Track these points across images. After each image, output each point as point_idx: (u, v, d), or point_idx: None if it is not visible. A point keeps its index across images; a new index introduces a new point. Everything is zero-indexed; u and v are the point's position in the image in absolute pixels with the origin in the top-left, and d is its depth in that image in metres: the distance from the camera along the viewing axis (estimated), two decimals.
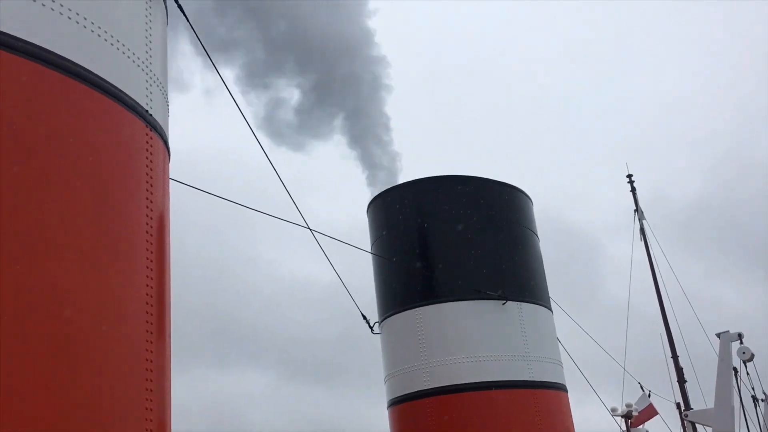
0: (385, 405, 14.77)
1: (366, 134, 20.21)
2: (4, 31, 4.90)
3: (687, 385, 23.78)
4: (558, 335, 15.38)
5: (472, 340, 13.75)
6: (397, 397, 14.24)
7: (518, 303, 14.24)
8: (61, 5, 5.35)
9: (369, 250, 15.75)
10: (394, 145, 20.42)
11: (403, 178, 19.30)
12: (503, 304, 13.93)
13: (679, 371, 23.92)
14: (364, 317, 14.55)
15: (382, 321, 15.08)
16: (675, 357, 24.13)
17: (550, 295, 15.62)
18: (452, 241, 14.75)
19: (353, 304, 13.99)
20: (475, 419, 13.26)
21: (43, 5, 5.24)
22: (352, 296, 13.62)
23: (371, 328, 14.81)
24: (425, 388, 13.63)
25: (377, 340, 15.19)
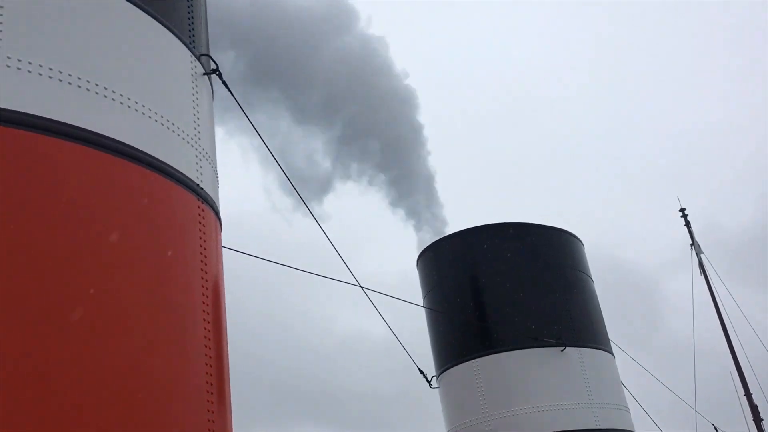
0: None
1: (412, 190, 20.40)
2: (64, 120, 5.19)
3: (764, 423, 22.75)
4: (621, 379, 14.96)
5: (532, 389, 13.47)
6: None
7: (578, 348, 13.94)
8: (113, 91, 5.64)
9: (421, 303, 15.71)
10: (439, 195, 20.54)
11: (450, 228, 19.35)
12: (562, 350, 13.66)
13: (754, 409, 22.91)
14: (421, 371, 14.42)
15: (439, 374, 14.91)
16: (748, 395, 23.15)
17: (610, 337, 15.26)
18: (506, 289, 14.62)
19: (408, 358, 13.89)
20: None
21: (96, 93, 5.53)
22: (407, 351, 13.54)
23: (429, 382, 14.65)
24: None
25: (436, 394, 15.00)
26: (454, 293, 15.14)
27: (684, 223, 26.30)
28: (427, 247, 16.22)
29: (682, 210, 26.38)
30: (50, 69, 5.25)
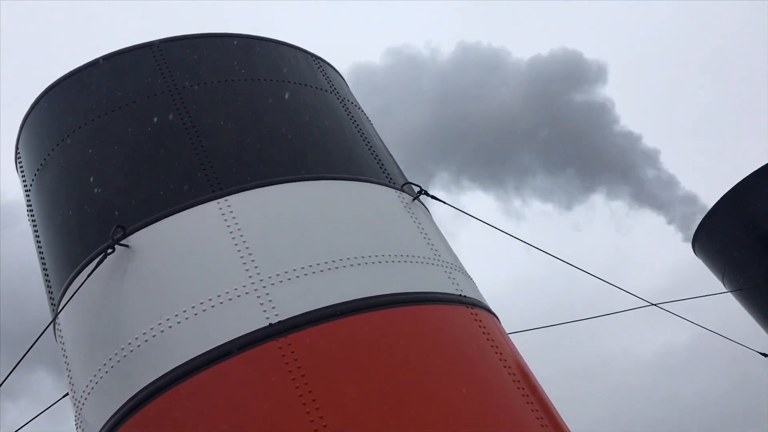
0: None
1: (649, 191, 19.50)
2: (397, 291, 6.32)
3: None
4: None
5: None
6: None
7: None
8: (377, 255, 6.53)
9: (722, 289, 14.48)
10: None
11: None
12: None
13: None
14: (765, 355, 13.07)
15: None
16: None
17: None
18: None
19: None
20: None
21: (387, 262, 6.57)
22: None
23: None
24: None
25: None
26: (755, 258, 13.77)
27: None
28: (699, 227, 15.04)
29: None
30: (333, 261, 6.29)
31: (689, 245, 15.63)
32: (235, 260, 6.12)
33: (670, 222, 19.30)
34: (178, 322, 5.93)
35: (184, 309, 5.97)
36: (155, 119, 7.26)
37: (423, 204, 7.99)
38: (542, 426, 5.99)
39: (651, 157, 19.67)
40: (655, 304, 10.48)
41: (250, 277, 6.02)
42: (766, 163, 13.77)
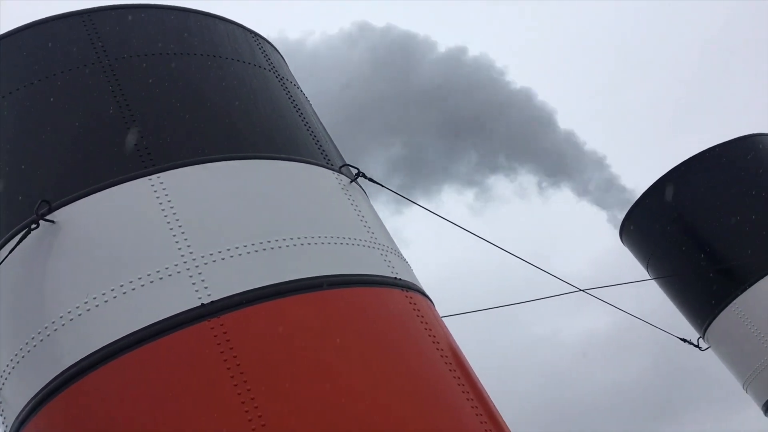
0: None
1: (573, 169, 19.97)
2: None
3: None
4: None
5: None
6: None
7: None
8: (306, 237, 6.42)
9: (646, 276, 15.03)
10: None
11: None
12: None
13: None
14: (685, 339, 13.68)
15: (704, 334, 14.04)
16: None
17: None
18: (722, 218, 13.71)
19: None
20: None
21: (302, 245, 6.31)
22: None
23: (697, 346, 13.84)
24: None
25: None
26: (678, 247, 14.31)
27: None
28: (627, 216, 15.52)
29: None
30: (268, 242, 6.18)
31: (617, 234, 16.14)
32: (167, 238, 5.98)
33: (600, 211, 19.88)
34: (106, 301, 5.76)
35: (112, 287, 5.80)
36: (85, 91, 6.99)
37: (361, 186, 7.98)
38: (473, 407, 6.10)
39: (597, 161, 20.15)
40: (583, 290, 10.79)
41: (183, 256, 5.90)
42: (689, 157, 14.35)
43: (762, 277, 12.81)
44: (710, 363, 14.52)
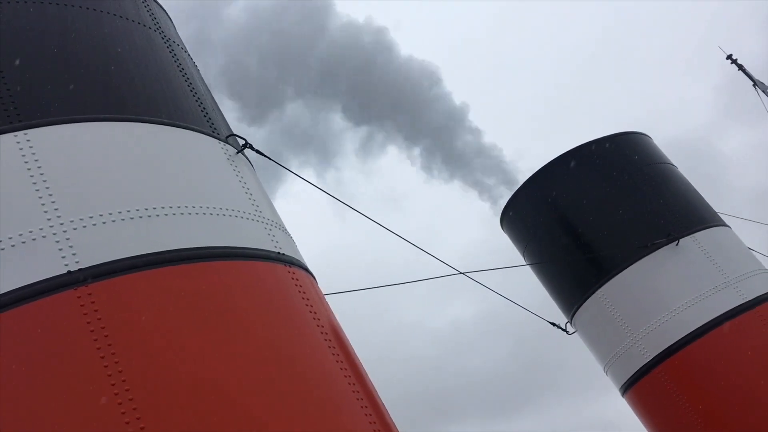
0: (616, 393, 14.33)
1: (461, 156, 20.40)
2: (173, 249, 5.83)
3: None
4: (747, 245, 14.47)
5: (666, 294, 13.22)
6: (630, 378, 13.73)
7: (691, 236, 13.62)
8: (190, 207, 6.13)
9: (524, 262, 15.64)
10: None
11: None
12: (676, 245, 13.39)
13: None
14: (553, 323, 14.34)
15: (572, 318, 14.79)
16: None
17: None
18: (598, 210, 14.43)
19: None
20: None
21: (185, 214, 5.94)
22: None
23: (565, 330, 14.54)
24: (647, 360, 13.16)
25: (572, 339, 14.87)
26: (551, 237, 15.01)
27: (737, 69, 25.15)
28: (507, 204, 16.07)
29: (730, 57, 25.27)
30: (145, 209, 5.87)
31: (497, 220, 16.69)
32: (33, 200, 5.56)
33: (483, 198, 20.40)
34: None
35: None
36: None
37: (247, 158, 7.75)
38: (350, 384, 6.10)
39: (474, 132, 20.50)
40: (463, 273, 11.06)
41: (49, 219, 5.50)
42: (566, 151, 15.03)
43: (626, 267, 13.61)
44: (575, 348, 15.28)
